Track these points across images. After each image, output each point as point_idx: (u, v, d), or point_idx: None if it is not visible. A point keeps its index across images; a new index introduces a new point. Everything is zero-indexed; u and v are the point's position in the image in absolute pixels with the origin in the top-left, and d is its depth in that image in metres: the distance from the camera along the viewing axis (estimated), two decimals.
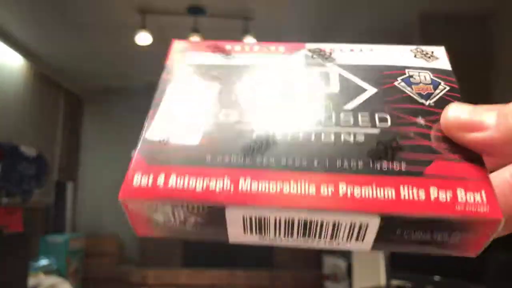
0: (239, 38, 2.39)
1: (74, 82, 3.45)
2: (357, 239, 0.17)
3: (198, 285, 3.15)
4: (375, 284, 2.09)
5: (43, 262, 2.52)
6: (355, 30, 2.42)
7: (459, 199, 0.16)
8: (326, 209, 0.17)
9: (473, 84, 1.91)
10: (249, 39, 2.40)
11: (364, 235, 0.17)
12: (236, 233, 0.18)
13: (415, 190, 0.17)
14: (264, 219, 0.17)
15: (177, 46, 0.25)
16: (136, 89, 3.26)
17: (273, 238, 0.18)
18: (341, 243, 0.18)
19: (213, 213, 0.17)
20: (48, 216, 3.10)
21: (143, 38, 2.42)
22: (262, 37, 2.36)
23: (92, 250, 3.16)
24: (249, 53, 0.25)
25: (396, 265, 1.81)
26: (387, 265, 1.89)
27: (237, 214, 0.17)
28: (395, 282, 1.82)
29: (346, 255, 2.71)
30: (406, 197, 0.17)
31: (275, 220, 0.17)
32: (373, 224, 0.17)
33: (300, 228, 0.17)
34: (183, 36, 2.37)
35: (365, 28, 2.39)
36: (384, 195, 0.17)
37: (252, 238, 0.18)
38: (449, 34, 2.18)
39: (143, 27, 2.36)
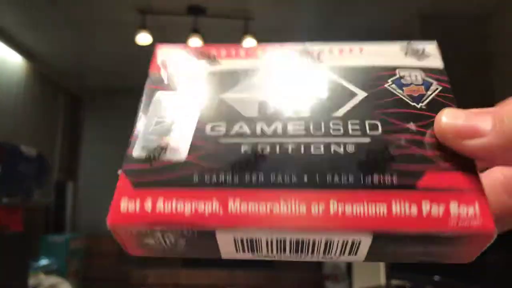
0: (239, 38, 2.40)
1: (74, 82, 3.45)
2: (350, 253, 0.18)
3: (198, 285, 3.15)
4: (375, 284, 2.09)
5: (43, 262, 2.53)
6: (355, 29, 2.42)
7: (452, 214, 0.16)
8: (317, 230, 0.17)
9: (473, 84, 1.91)
10: (249, 39, 2.40)
11: (357, 250, 0.17)
12: (229, 252, 0.18)
13: (407, 205, 0.17)
14: (256, 239, 0.17)
15: (161, 52, 0.25)
16: (136, 89, 3.25)
17: (266, 255, 0.18)
18: (334, 258, 0.18)
19: (204, 236, 0.17)
20: (48, 216, 3.10)
21: (143, 38, 2.42)
22: (262, 37, 2.36)
23: (92, 250, 3.16)
24: (234, 58, 0.24)
25: (396, 265, 1.81)
26: (387, 265, 1.89)
27: (227, 237, 0.17)
28: (395, 282, 1.82)
29: None
30: (398, 213, 0.16)
31: (267, 240, 0.17)
32: (365, 241, 0.17)
33: (292, 246, 0.17)
34: (183, 36, 2.37)
35: (365, 28, 2.39)
36: (375, 211, 0.17)
37: (245, 255, 0.18)
38: (449, 34, 2.18)
39: (143, 27, 2.36)
